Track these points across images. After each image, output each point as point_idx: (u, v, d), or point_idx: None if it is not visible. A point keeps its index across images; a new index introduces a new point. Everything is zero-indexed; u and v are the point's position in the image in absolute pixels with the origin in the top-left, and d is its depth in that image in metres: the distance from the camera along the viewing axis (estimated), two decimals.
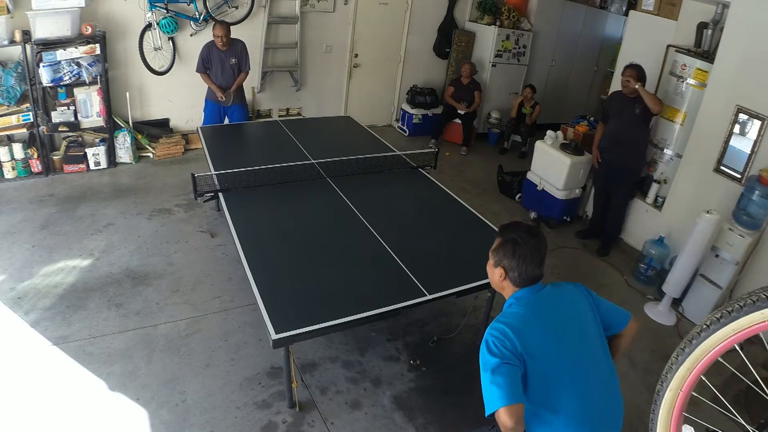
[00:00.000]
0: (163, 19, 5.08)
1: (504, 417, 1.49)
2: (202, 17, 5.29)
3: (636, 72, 4.00)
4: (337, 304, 2.44)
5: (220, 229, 4.22)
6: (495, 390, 1.52)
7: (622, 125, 4.19)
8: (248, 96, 5.98)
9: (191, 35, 5.42)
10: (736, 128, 3.65)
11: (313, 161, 3.95)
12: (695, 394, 1.69)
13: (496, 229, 3.23)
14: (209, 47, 4.72)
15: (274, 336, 2.19)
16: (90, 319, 3.17)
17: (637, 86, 4.00)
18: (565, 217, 4.92)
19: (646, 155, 4.35)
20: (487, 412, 1.55)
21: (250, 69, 4.98)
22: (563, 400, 1.61)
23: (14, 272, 3.52)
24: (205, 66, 4.76)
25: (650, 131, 4.27)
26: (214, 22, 4.78)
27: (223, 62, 4.75)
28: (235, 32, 5.53)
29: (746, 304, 1.46)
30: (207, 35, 5.46)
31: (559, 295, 1.77)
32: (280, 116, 6.23)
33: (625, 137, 4.19)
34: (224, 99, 4.79)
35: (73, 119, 4.85)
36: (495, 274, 1.78)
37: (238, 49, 4.80)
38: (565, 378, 1.61)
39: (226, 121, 5.01)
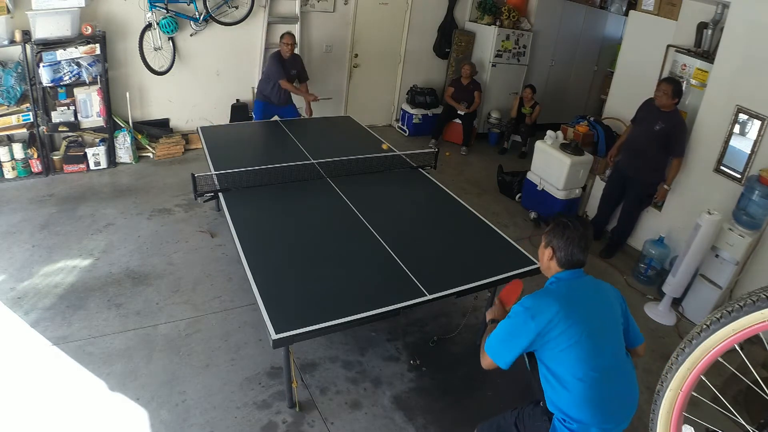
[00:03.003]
0: (163, 19, 5.08)
1: (486, 364, 1.90)
2: (202, 17, 5.29)
3: (672, 87, 3.81)
4: (337, 304, 2.44)
5: (220, 229, 4.22)
6: (501, 347, 1.84)
7: (641, 135, 4.07)
8: (248, 96, 6.00)
9: (191, 35, 5.41)
10: (736, 128, 3.65)
11: (312, 161, 3.95)
12: (695, 394, 1.69)
13: (496, 229, 3.27)
14: (278, 56, 5.02)
15: (274, 336, 2.19)
16: (90, 319, 3.17)
17: (666, 185, 4.01)
18: None
19: (663, 171, 4.09)
20: (486, 349, 1.88)
21: (308, 78, 5.46)
22: (583, 374, 1.76)
23: (14, 272, 3.52)
24: (282, 72, 4.99)
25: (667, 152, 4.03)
26: (283, 34, 5.03)
27: (288, 70, 5.07)
28: (236, 32, 5.57)
29: (746, 304, 1.46)
30: (207, 35, 5.47)
31: (598, 287, 1.94)
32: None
33: (641, 147, 4.08)
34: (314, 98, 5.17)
35: (73, 119, 4.85)
36: (545, 255, 1.96)
37: (298, 61, 5.21)
38: (587, 355, 1.76)
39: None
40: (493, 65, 6.64)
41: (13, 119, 4.62)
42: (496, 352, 1.85)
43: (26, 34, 4.46)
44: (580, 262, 1.90)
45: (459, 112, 6.40)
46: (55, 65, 4.58)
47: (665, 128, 3.90)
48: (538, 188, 5.00)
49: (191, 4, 5.21)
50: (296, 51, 5.95)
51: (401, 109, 6.99)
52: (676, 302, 3.87)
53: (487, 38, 6.57)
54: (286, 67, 5.04)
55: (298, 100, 5.41)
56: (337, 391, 2.85)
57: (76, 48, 4.62)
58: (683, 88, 4.17)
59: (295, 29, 5.90)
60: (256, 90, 5.33)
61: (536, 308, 1.79)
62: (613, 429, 1.85)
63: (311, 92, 5.33)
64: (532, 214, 5.03)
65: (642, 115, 4.13)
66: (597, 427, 1.79)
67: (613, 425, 1.84)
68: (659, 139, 3.94)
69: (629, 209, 4.40)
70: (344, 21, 6.23)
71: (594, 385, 1.76)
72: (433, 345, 3.25)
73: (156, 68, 5.26)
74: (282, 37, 5.02)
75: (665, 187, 4.07)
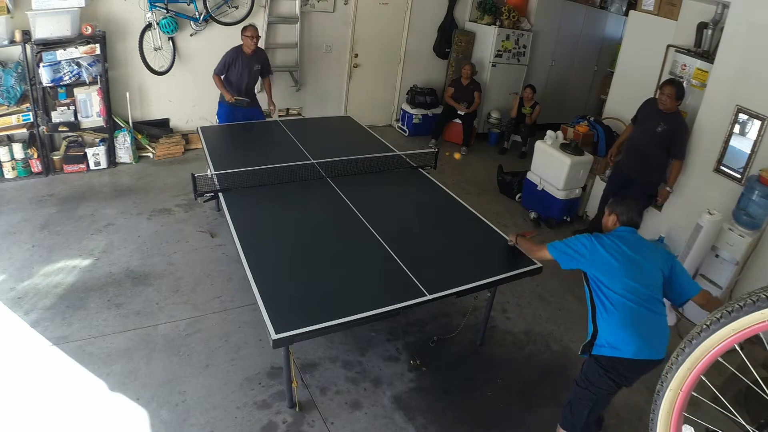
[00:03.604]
0: (163, 19, 5.08)
1: (542, 256, 2.60)
2: (202, 17, 5.29)
3: (676, 90, 3.80)
4: (337, 304, 2.44)
5: (220, 229, 4.22)
6: (563, 250, 2.41)
7: (643, 136, 4.05)
8: None
9: (191, 35, 5.42)
10: (736, 128, 3.65)
11: (313, 161, 3.95)
12: (695, 394, 1.69)
13: (496, 229, 3.27)
14: (237, 52, 4.75)
15: (274, 336, 2.19)
16: (90, 319, 3.17)
17: (668, 188, 4.05)
18: (565, 217, 4.92)
19: (664, 172, 4.10)
20: (549, 248, 2.48)
21: (272, 73, 5.24)
22: (624, 293, 2.20)
23: (14, 272, 3.52)
24: (223, 70, 4.77)
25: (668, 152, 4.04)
26: (244, 27, 4.74)
27: (249, 67, 4.82)
28: (236, 32, 5.55)
29: (746, 304, 1.46)
30: (207, 35, 5.47)
31: (649, 244, 2.44)
32: (280, 116, 6.21)
33: (643, 148, 4.06)
34: (235, 102, 4.78)
35: (73, 119, 4.85)
36: (609, 221, 2.48)
37: (261, 56, 4.93)
38: (631, 279, 2.22)
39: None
40: (493, 65, 6.64)
41: (13, 119, 4.62)
42: (562, 255, 2.40)
43: (26, 34, 4.46)
44: (636, 222, 2.44)
45: (459, 112, 6.40)
46: (55, 65, 4.58)
47: (667, 129, 3.89)
48: (538, 188, 5.00)
49: (191, 4, 5.21)
50: (298, 48, 5.98)
51: (401, 109, 6.99)
52: None
53: (487, 38, 6.57)
54: (238, 63, 4.75)
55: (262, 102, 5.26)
56: (337, 391, 2.85)
57: (76, 48, 4.61)
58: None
59: (295, 29, 5.91)
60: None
61: (600, 237, 2.34)
62: (647, 352, 2.18)
63: (273, 101, 5.16)
64: (532, 214, 5.03)
65: (643, 116, 4.11)
66: (635, 350, 2.16)
67: (648, 352, 2.18)
68: (661, 141, 3.93)
69: None
70: (344, 21, 6.23)
71: (633, 307, 2.18)
72: (433, 345, 3.25)
73: (156, 68, 5.26)
74: (244, 30, 4.70)
75: (667, 188, 4.07)
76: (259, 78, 5.02)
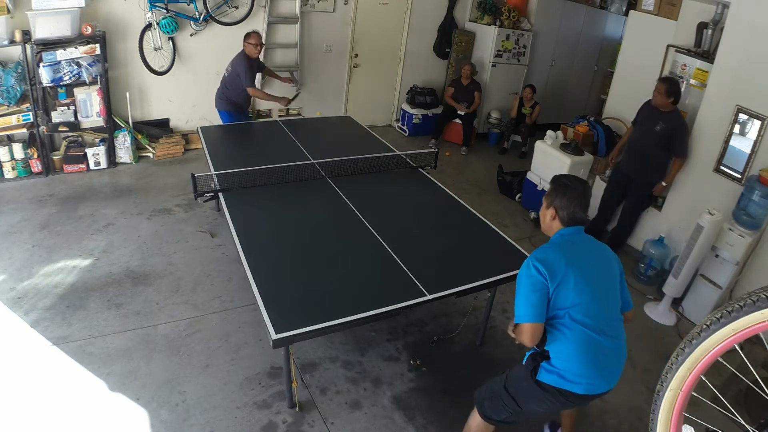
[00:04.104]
0: (163, 19, 5.08)
1: (527, 332, 1.87)
2: (202, 17, 5.29)
3: (666, 86, 3.82)
4: (337, 304, 2.44)
5: (220, 229, 4.22)
6: (529, 307, 1.87)
7: (642, 136, 4.07)
8: None
9: (191, 35, 5.42)
10: (736, 128, 3.65)
11: (313, 161, 3.95)
12: (695, 394, 1.69)
13: (496, 229, 3.27)
14: (248, 59, 4.61)
15: (274, 336, 2.19)
16: (90, 319, 3.17)
17: (664, 182, 4.05)
18: None
19: (664, 172, 4.10)
20: (517, 320, 1.91)
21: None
22: (581, 318, 1.88)
23: (14, 272, 3.52)
24: (254, 78, 4.69)
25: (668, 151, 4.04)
26: (248, 34, 4.62)
27: (259, 70, 4.83)
28: (235, 32, 5.55)
29: (746, 304, 1.46)
30: (207, 35, 5.47)
31: (598, 246, 2.08)
32: (280, 116, 6.22)
33: (642, 148, 4.08)
34: (293, 100, 4.90)
35: (73, 119, 4.85)
36: (547, 215, 2.06)
37: (259, 60, 4.88)
38: (588, 300, 1.89)
39: None
40: (493, 65, 6.64)
41: (13, 119, 4.62)
42: (528, 313, 1.87)
43: (26, 34, 4.46)
44: (581, 219, 2.01)
45: (459, 112, 6.40)
46: (55, 65, 4.58)
47: (666, 128, 3.90)
48: (538, 188, 5.00)
49: (191, 4, 5.21)
50: (298, 48, 5.97)
51: (401, 109, 6.99)
52: (676, 302, 3.87)
53: (487, 38, 6.57)
54: (254, 70, 4.72)
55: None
56: (337, 391, 2.85)
57: (76, 48, 4.62)
58: (682, 87, 4.17)
59: (295, 29, 5.90)
60: (219, 98, 4.83)
61: (545, 260, 1.89)
62: (599, 387, 1.95)
63: (283, 95, 4.97)
64: (532, 214, 5.03)
65: (642, 117, 4.12)
66: (587, 386, 1.91)
67: (601, 386, 1.95)
68: (660, 140, 3.94)
69: (630, 210, 4.40)
70: (344, 21, 6.23)
71: (593, 336, 1.89)
72: (433, 345, 3.25)
73: (156, 68, 5.26)
74: (248, 37, 4.60)
75: (663, 183, 4.08)
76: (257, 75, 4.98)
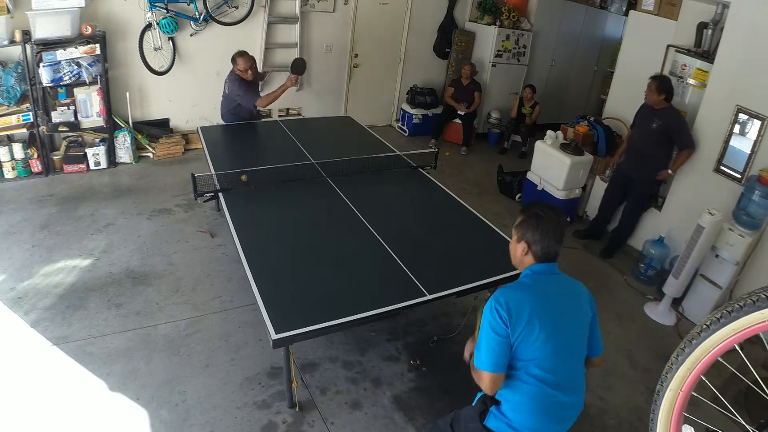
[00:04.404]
0: (163, 19, 5.08)
1: (486, 380, 1.70)
2: (202, 17, 5.29)
3: (657, 84, 3.86)
4: (337, 304, 2.44)
5: (220, 229, 4.22)
6: (490, 355, 1.69)
7: (641, 136, 4.11)
8: None
9: (191, 35, 5.42)
10: (736, 128, 3.65)
11: (313, 161, 3.95)
12: (695, 394, 1.69)
13: (497, 229, 3.27)
14: (237, 81, 4.39)
15: (274, 336, 2.19)
16: (90, 319, 3.17)
17: (670, 170, 4.01)
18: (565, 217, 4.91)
19: (664, 169, 4.10)
20: (477, 365, 1.73)
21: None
22: (539, 372, 1.70)
23: (14, 272, 3.52)
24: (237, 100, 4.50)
25: (673, 149, 4.07)
26: (235, 56, 4.39)
27: (253, 89, 4.54)
28: (235, 32, 5.56)
29: (746, 304, 1.46)
30: (207, 35, 5.47)
31: (572, 288, 1.88)
32: (280, 116, 6.23)
33: (641, 148, 4.11)
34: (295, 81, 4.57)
35: (73, 119, 4.85)
36: (518, 250, 1.86)
37: (257, 81, 4.73)
38: (549, 354, 1.70)
39: None
40: (493, 65, 6.64)
41: (13, 119, 4.62)
42: (489, 361, 1.68)
43: (26, 34, 4.46)
44: (556, 254, 1.84)
45: (459, 112, 6.40)
46: (55, 65, 4.58)
47: (662, 125, 3.93)
48: (538, 188, 5.00)
49: (191, 4, 5.21)
50: (298, 48, 5.94)
51: (401, 109, 6.99)
52: (676, 302, 3.87)
53: (487, 38, 6.57)
54: (253, 87, 4.56)
55: None
56: (337, 391, 2.85)
57: (76, 48, 4.62)
58: (681, 86, 4.18)
59: (295, 29, 5.90)
60: (227, 113, 4.64)
61: (509, 306, 1.68)
62: None
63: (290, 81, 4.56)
64: None
65: (639, 118, 4.17)
66: None
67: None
68: (657, 138, 3.97)
69: (631, 210, 4.40)
70: (344, 21, 6.23)
71: (549, 393, 1.71)
72: (433, 345, 3.25)
73: (156, 68, 5.26)
74: (234, 61, 4.37)
75: (668, 171, 4.05)
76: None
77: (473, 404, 1.92)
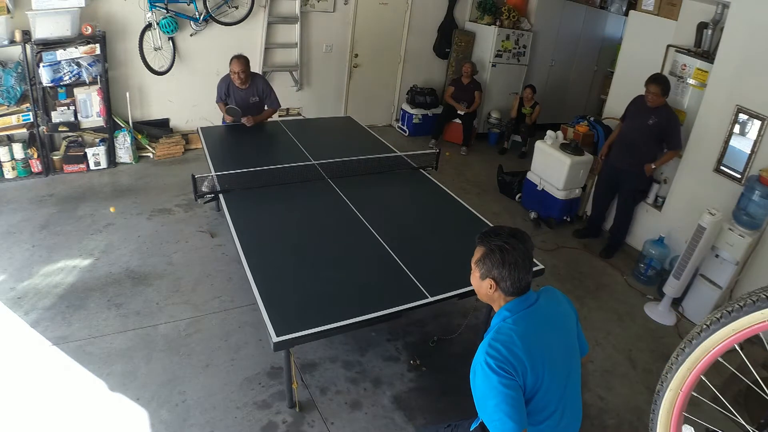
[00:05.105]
0: (163, 19, 5.08)
1: None
2: (202, 17, 5.29)
3: (661, 88, 3.90)
4: (338, 307, 2.44)
5: (220, 229, 4.22)
6: (507, 420, 1.49)
7: (634, 130, 4.14)
8: None
9: (191, 35, 5.42)
10: (736, 128, 3.65)
11: (313, 162, 3.95)
12: (695, 394, 1.69)
13: None
14: (227, 82, 4.44)
15: (275, 339, 2.19)
16: (90, 319, 3.17)
17: (654, 165, 4.09)
18: (565, 217, 4.92)
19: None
20: None
21: (280, 106, 4.71)
22: (547, 415, 1.61)
23: (14, 272, 3.52)
24: (224, 97, 4.52)
25: (662, 146, 4.13)
26: (231, 58, 4.34)
27: (245, 100, 4.48)
28: (235, 32, 5.55)
29: (746, 304, 1.46)
30: (207, 35, 5.47)
31: (553, 308, 1.72)
32: (280, 116, 6.22)
33: (633, 142, 4.14)
34: (227, 110, 4.50)
35: (73, 119, 4.85)
36: (483, 287, 1.66)
37: (259, 86, 4.53)
38: (553, 396, 1.61)
39: None
40: (493, 65, 6.64)
41: (13, 119, 4.62)
42: (513, 422, 1.49)
43: (26, 34, 4.46)
44: (528, 285, 1.65)
45: (459, 112, 6.40)
46: (55, 65, 4.58)
47: (659, 122, 3.99)
48: (538, 188, 5.00)
49: (191, 4, 5.21)
50: (298, 48, 5.89)
51: (401, 109, 6.99)
52: (676, 302, 3.87)
53: (487, 38, 6.57)
54: (235, 94, 4.46)
55: None
56: (337, 391, 2.85)
57: (76, 48, 4.62)
58: (681, 86, 4.18)
59: (295, 29, 5.90)
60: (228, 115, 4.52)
61: (507, 361, 1.52)
62: None
63: (253, 119, 4.50)
64: (532, 214, 5.03)
65: (632, 112, 4.20)
66: None
67: None
68: (652, 133, 4.03)
69: (624, 204, 4.44)
70: (344, 21, 6.23)
71: (552, 422, 1.62)
72: (433, 345, 3.25)
73: (156, 68, 5.26)
74: (230, 63, 4.33)
75: (652, 165, 4.13)
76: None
77: (471, 429, 1.82)
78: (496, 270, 1.61)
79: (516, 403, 1.51)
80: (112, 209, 4.07)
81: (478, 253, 1.67)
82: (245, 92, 4.51)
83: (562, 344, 1.68)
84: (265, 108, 4.67)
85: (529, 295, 1.66)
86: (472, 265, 1.69)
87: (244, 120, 4.50)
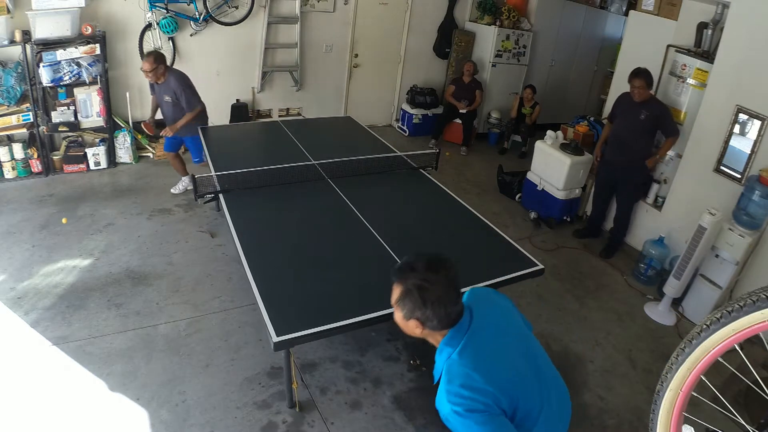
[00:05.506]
0: (163, 19, 5.08)
1: None
2: (202, 17, 5.29)
3: (645, 81, 3.95)
4: (338, 307, 2.43)
5: (220, 229, 4.22)
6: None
7: (627, 127, 4.17)
8: (248, 96, 6.00)
9: (191, 35, 5.42)
10: (736, 128, 3.65)
11: (313, 162, 3.95)
12: (695, 394, 1.69)
13: (497, 229, 3.26)
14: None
15: (275, 339, 2.19)
16: (90, 319, 3.17)
17: (657, 159, 4.14)
18: (565, 217, 4.92)
19: (650, 158, 4.24)
20: None
21: (198, 107, 4.35)
22: (536, 414, 1.52)
23: (14, 272, 3.52)
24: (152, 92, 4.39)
25: (655, 137, 4.21)
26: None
27: (159, 97, 4.32)
28: (235, 32, 5.55)
29: (746, 304, 1.46)
30: (207, 35, 5.47)
31: (490, 314, 1.59)
32: (280, 116, 6.23)
33: (628, 139, 4.17)
34: (150, 132, 4.44)
35: (73, 119, 4.85)
36: (409, 327, 1.55)
37: (171, 85, 4.20)
38: (533, 397, 1.52)
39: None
40: (493, 65, 6.64)
41: (13, 119, 4.62)
42: None
43: (26, 34, 4.47)
44: (460, 313, 1.51)
45: (460, 110, 6.39)
46: (55, 65, 4.58)
47: (650, 115, 4.02)
48: (538, 188, 5.00)
49: (191, 4, 5.21)
50: (298, 48, 5.91)
51: (401, 109, 6.99)
52: (676, 302, 3.87)
53: (487, 38, 6.57)
54: (154, 90, 4.37)
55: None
56: (337, 391, 2.85)
57: (76, 48, 4.62)
58: (681, 86, 4.18)
59: (295, 29, 5.90)
60: (195, 121, 4.40)
61: (474, 400, 1.40)
62: None
63: (174, 127, 4.34)
64: (532, 214, 5.03)
65: (622, 109, 4.23)
66: None
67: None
68: (645, 127, 4.07)
69: (622, 204, 4.46)
70: (344, 21, 6.24)
71: (542, 416, 1.54)
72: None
73: None
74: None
75: (657, 157, 4.17)
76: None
77: None
78: (418, 311, 1.48)
79: (503, 427, 1.42)
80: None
81: (396, 291, 1.54)
82: (159, 89, 4.28)
83: (515, 343, 1.57)
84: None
85: (463, 319, 1.52)
86: (393, 305, 1.56)
87: (163, 132, 4.37)
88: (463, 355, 1.46)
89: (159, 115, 4.65)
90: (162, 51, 5.22)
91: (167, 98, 4.27)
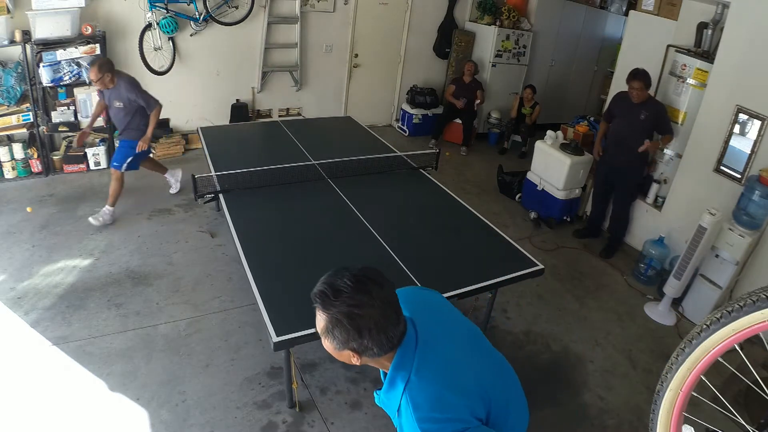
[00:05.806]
0: (163, 19, 5.08)
1: None
2: (202, 17, 5.29)
3: (643, 82, 3.97)
4: None
5: (220, 229, 4.22)
6: None
7: (626, 127, 4.18)
8: (248, 96, 5.99)
9: (191, 35, 5.41)
10: (736, 128, 3.65)
11: (313, 162, 3.95)
12: (695, 394, 1.69)
13: (497, 229, 3.26)
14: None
15: (275, 339, 2.19)
16: (90, 319, 3.17)
17: (657, 145, 4.16)
18: (565, 217, 4.92)
19: (647, 158, 4.30)
20: None
21: (157, 105, 4.13)
22: (508, 411, 1.44)
23: (14, 272, 3.52)
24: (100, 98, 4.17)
25: (653, 136, 4.21)
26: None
27: (109, 102, 4.06)
28: (235, 32, 5.55)
29: (746, 304, 1.46)
30: (207, 35, 5.47)
31: (433, 318, 1.44)
32: (280, 116, 6.23)
33: (628, 139, 4.16)
34: (79, 145, 4.33)
35: (73, 119, 4.85)
36: (344, 357, 1.30)
37: (122, 90, 3.97)
38: (498, 391, 1.42)
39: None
40: (493, 65, 6.64)
41: (13, 119, 4.62)
42: None
43: (26, 34, 4.46)
44: (403, 332, 1.29)
45: (458, 106, 6.37)
46: (55, 65, 4.58)
47: (650, 116, 4.05)
48: (538, 188, 5.00)
49: (191, 4, 5.21)
50: (298, 48, 5.92)
51: (401, 109, 6.99)
52: (676, 302, 3.87)
53: (487, 38, 6.57)
54: (102, 97, 4.12)
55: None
56: (337, 391, 2.85)
57: (76, 48, 4.62)
58: (681, 86, 4.18)
59: (295, 29, 5.90)
60: (138, 129, 4.16)
61: (446, 420, 1.24)
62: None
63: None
64: (532, 214, 5.03)
65: (621, 109, 4.24)
66: None
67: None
68: (644, 127, 4.09)
69: (621, 203, 4.47)
70: (344, 21, 6.23)
71: (512, 413, 1.48)
72: None
73: (156, 68, 5.26)
74: None
75: (658, 143, 4.19)
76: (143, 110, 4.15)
77: None
78: (353, 342, 1.24)
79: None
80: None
81: (321, 320, 1.30)
82: (109, 94, 4.04)
83: (463, 339, 1.45)
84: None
85: (408, 335, 1.30)
86: (321, 336, 1.32)
87: (138, 148, 4.15)
88: (422, 375, 1.26)
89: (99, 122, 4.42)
90: (162, 51, 5.24)
91: (118, 104, 4.02)
